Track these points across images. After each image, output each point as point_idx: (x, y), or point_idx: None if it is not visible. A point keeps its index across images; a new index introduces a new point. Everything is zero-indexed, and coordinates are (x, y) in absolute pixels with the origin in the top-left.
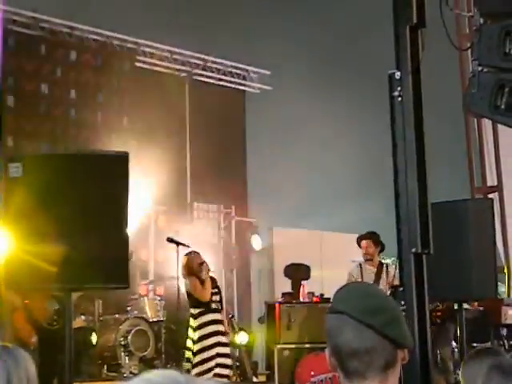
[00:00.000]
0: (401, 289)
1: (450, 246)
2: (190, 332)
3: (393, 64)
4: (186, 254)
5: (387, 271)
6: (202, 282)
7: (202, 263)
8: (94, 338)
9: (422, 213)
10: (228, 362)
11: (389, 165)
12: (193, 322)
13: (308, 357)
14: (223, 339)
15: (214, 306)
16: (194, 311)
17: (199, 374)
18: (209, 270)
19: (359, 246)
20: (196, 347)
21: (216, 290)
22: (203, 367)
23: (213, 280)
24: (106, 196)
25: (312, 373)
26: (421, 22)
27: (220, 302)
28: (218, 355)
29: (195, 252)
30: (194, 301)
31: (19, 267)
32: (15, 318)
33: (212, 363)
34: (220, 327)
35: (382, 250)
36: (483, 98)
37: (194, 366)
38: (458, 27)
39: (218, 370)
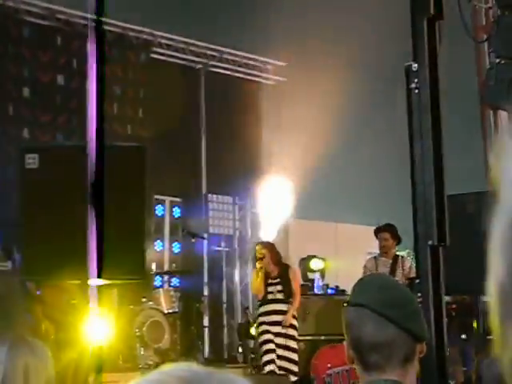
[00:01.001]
0: (417, 281)
1: (466, 239)
2: None
3: (410, 55)
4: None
5: (402, 264)
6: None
7: (261, 258)
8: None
9: (439, 205)
10: (282, 353)
11: (405, 157)
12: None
13: (324, 349)
14: (275, 329)
15: (269, 296)
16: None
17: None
18: (265, 264)
19: (376, 237)
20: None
21: (277, 280)
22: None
23: (285, 268)
24: (124, 188)
25: (329, 365)
26: (438, 13)
27: (282, 291)
28: (266, 346)
29: (261, 243)
30: None
31: (36, 258)
32: (33, 309)
33: (265, 358)
34: (272, 317)
35: (398, 243)
36: (501, 90)
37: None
38: (475, 19)
39: (267, 367)
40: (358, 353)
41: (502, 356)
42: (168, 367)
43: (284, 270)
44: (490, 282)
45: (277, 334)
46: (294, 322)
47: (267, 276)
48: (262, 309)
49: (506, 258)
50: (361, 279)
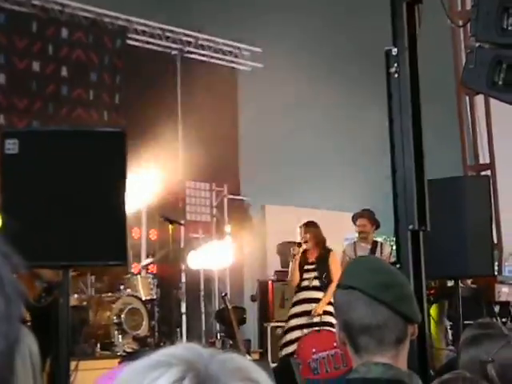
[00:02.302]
0: (397, 266)
1: (446, 224)
2: None
3: (389, 41)
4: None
5: (382, 249)
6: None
7: (298, 243)
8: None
9: (419, 190)
10: None
11: (382, 142)
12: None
13: (310, 334)
14: (304, 320)
15: (304, 283)
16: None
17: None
18: (300, 250)
19: (354, 223)
20: (285, 327)
21: (313, 267)
22: (287, 350)
23: (326, 252)
24: (103, 173)
25: (313, 350)
26: None
27: (318, 278)
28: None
29: (305, 225)
30: None
31: (17, 244)
32: None
33: (292, 348)
34: (310, 306)
35: (377, 228)
36: (480, 75)
37: (282, 347)
38: (451, 4)
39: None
40: (350, 335)
41: None
42: (171, 348)
43: (325, 254)
44: None
45: (306, 325)
46: (330, 309)
47: (304, 261)
48: (296, 297)
49: None
50: (352, 261)
